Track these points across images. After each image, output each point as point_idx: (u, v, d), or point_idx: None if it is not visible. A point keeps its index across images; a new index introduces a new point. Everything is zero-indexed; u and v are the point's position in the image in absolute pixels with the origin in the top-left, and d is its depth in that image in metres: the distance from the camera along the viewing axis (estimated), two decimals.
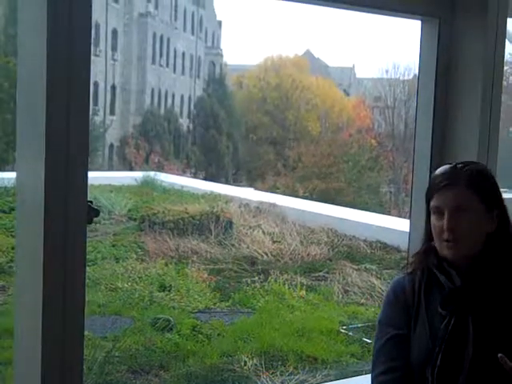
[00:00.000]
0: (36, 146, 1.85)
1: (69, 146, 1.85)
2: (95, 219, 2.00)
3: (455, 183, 1.83)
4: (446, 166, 1.90)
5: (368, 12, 2.68)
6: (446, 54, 2.71)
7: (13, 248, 8.94)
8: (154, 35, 33.64)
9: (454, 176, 1.84)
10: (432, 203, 1.86)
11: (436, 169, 1.94)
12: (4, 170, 14.23)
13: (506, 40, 2.81)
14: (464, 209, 1.80)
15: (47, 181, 1.83)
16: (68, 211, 1.86)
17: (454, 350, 1.77)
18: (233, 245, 10.80)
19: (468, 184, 1.82)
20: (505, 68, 2.89)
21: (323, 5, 2.55)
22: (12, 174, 11.52)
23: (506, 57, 2.94)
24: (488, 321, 1.78)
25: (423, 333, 1.83)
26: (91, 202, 1.94)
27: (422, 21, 2.76)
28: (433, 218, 1.86)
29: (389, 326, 1.90)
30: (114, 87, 31.96)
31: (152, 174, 17.21)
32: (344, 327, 7.74)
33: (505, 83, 3.38)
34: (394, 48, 50.14)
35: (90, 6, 1.87)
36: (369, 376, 1.95)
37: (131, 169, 22.63)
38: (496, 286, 1.81)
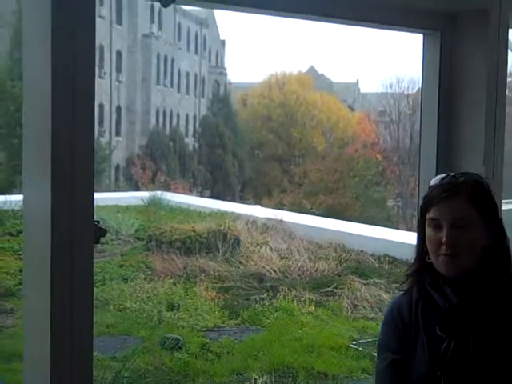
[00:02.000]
0: (42, 168, 1.86)
1: (74, 168, 1.85)
2: (102, 240, 2.00)
3: (455, 195, 1.76)
4: (443, 177, 1.84)
5: (370, 27, 2.70)
6: (449, 66, 2.72)
7: (21, 270, 8.95)
8: (158, 56, 33.87)
9: (454, 187, 1.78)
10: (429, 215, 1.78)
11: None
12: (11, 193, 14.28)
13: (509, 51, 2.82)
14: (464, 223, 1.74)
15: (54, 203, 1.83)
16: (75, 232, 1.87)
17: (456, 373, 1.72)
18: (240, 262, 10.79)
19: (468, 197, 1.76)
20: (509, 79, 2.90)
21: (326, 21, 2.56)
22: (19, 197, 11.57)
23: (510, 68, 2.95)
24: (488, 340, 1.73)
25: (423, 356, 1.78)
26: (98, 221, 1.94)
27: (423, 34, 2.76)
28: (429, 231, 1.79)
29: (387, 350, 1.86)
30: (119, 108, 32.14)
31: (159, 193, 17.25)
32: (354, 342, 7.70)
33: (509, 94, 3.39)
34: (398, 62, 50.30)
35: (94, 29, 1.89)
36: None
37: (138, 189, 22.67)
38: (493, 303, 1.76)
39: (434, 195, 1.80)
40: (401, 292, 1.94)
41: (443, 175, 1.85)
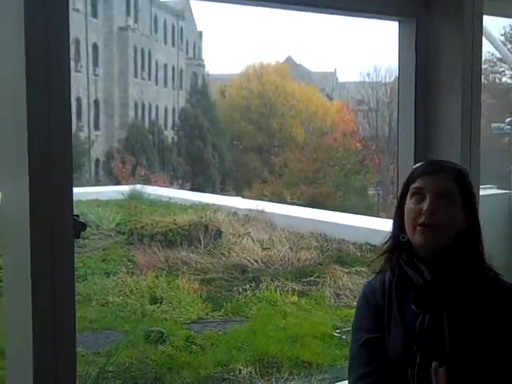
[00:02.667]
0: (19, 164, 1.85)
1: (52, 163, 1.84)
2: (83, 234, 1.99)
3: (443, 172, 1.85)
4: (429, 160, 1.95)
5: (345, 15, 2.70)
6: (425, 53, 2.73)
7: (0, 268, 8.88)
8: (135, 48, 33.66)
9: (440, 167, 1.87)
10: (413, 185, 1.85)
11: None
12: None
13: (484, 38, 2.83)
14: (447, 195, 1.81)
15: (32, 199, 1.82)
16: (54, 226, 1.86)
17: (432, 345, 1.76)
18: (222, 254, 10.79)
19: (455, 177, 1.84)
20: (484, 66, 2.92)
21: (302, 10, 2.56)
22: None
23: (486, 55, 2.97)
24: (461, 314, 1.78)
25: (398, 333, 1.81)
26: (77, 215, 1.94)
27: (399, 22, 2.78)
28: (410, 202, 1.84)
29: (362, 330, 1.89)
30: (97, 102, 31.91)
31: (139, 187, 17.20)
32: (337, 331, 7.74)
33: (485, 81, 3.42)
34: (375, 51, 50.42)
35: (68, 22, 1.87)
36: None
37: (118, 183, 22.56)
38: (466, 280, 1.81)
39: (420, 170, 1.88)
40: (371, 277, 2.00)
41: (430, 160, 1.97)
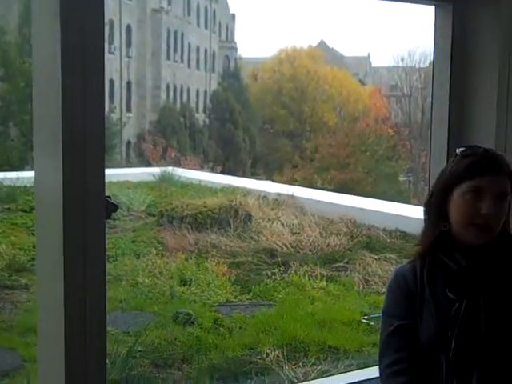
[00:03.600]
0: (53, 144, 1.87)
1: (85, 144, 1.86)
2: (114, 215, 2.01)
3: (499, 170, 1.82)
4: (474, 148, 1.88)
5: None
6: (461, 39, 2.69)
7: (34, 246, 9.01)
8: (168, 31, 33.66)
9: (498, 164, 1.83)
10: (472, 183, 1.80)
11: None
12: (23, 170, 14.33)
13: None
14: (503, 197, 1.81)
15: (65, 179, 1.84)
16: (86, 207, 1.88)
17: (466, 333, 1.76)
18: (252, 238, 10.80)
19: (509, 174, 1.83)
20: None
21: None
22: (31, 174, 11.61)
23: None
24: (498, 301, 1.78)
25: (431, 319, 1.81)
26: (109, 197, 1.95)
27: (435, 6, 2.73)
28: (465, 199, 1.80)
29: (392, 316, 1.89)
30: (129, 84, 32.04)
31: (170, 169, 17.24)
32: (365, 317, 7.72)
33: None
34: (409, 35, 49.75)
35: (103, 4, 1.88)
36: None
37: (149, 165, 22.65)
38: (502, 267, 1.81)
39: (478, 166, 1.82)
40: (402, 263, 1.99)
41: (470, 147, 1.89)
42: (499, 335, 1.75)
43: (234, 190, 14.32)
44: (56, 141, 1.84)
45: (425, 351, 1.82)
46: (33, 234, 9.87)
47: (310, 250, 10.38)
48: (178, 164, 21.13)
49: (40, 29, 1.96)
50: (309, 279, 8.93)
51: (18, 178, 12.59)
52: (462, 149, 1.89)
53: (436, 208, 1.89)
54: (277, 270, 9.30)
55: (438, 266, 1.85)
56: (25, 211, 11.43)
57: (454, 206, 1.83)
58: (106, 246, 2.00)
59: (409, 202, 18.23)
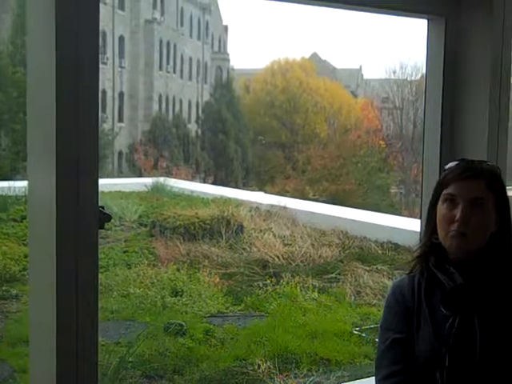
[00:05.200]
0: (46, 154, 1.87)
1: (79, 154, 1.86)
2: (106, 225, 2.01)
3: (477, 177, 1.81)
4: (459, 161, 1.89)
5: (374, 12, 2.69)
6: (453, 52, 2.71)
7: (25, 256, 8.98)
8: (161, 41, 33.74)
9: (476, 170, 1.83)
10: (447, 191, 1.82)
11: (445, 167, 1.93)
12: (15, 179, 14.29)
13: None
14: (480, 203, 1.79)
15: (58, 188, 1.84)
16: (80, 217, 1.87)
17: (461, 349, 1.75)
18: (244, 248, 10.80)
19: (488, 182, 1.81)
20: None
21: (329, 6, 2.55)
22: (22, 183, 11.59)
23: None
24: (492, 318, 1.77)
25: (427, 334, 1.81)
26: (102, 207, 1.95)
27: (428, 20, 2.76)
28: (442, 207, 1.82)
29: (390, 330, 1.89)
30: (121, 94, 32.07)
31: (162, 179, 17.24)
32: (357, 328, 7.72)
33: None
34: (401, 48, 50.06)
35: (98, 15, 1.89)
36: None
37: (141, 175, 22.65)
38: (497, 283, 1.80)
39: (454, 174, 1.84)
40: (401, 276, 1.99)
41: (459, 160, 1.90)
42: (494, 352, 1.75)
43: (225, 200, 14.31)
44: (49, 151, 1.84)
45: (421, 367, 1.82)
46: (24, 244, 9.83)
47: (301, 262, 10.38)
48: (169, 174, 21.12)
49: (35, 39, 1.96)
50: (301, 290, 8.92)
51: (9, 188, 12.55)
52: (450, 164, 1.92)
53: (427, 220, 1.91)
54: (269, 281, 9.30)
55: (435, 281, 1.85)
56: (16, 221, 11.39)
57: (437, 217, 1.85)
58: (99, 256, 2.00)
59: (400, 214, 18.28)
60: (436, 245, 1.86)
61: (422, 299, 1.85)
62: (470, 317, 1.77)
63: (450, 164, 1.89)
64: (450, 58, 2.71)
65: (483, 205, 1.79)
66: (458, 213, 1.78)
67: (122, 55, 31.90)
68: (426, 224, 1.91)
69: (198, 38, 37.76)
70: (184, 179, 20.89)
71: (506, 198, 1.88)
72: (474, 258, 1.81)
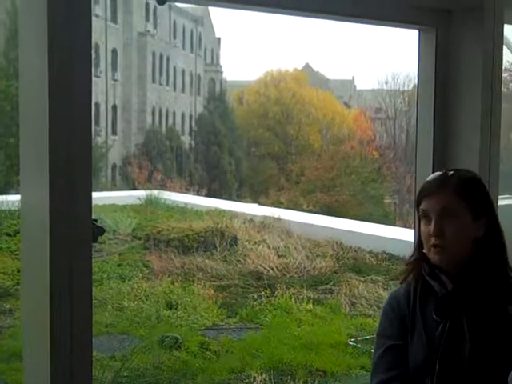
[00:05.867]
0: (40, 168, 1.86)
1: (72, 167, 1.86)
2: (100, 239, 2.00)
3: (443, 189, 1.84)
4: (437, 173, 1.92)
5: (365, 23, 2.70)
6: (445, 62, 2.72)
7: (18, 271, 8.93)
8: (154, 54, 33.84)
9: (443, 182, 1.86)
10: (421, 207, 1.87)
11: None
12: (8, 193, 14.25)
13: (505, 47, 2.82)
14: (450, 214, 1.81)
15: (51, 202, 1.83)
16: (73, 231, 1.87)
17: (451, 354, 1.77)
18: (238, 260, 10.78)
19: (455, 190, 1.83)
20: (504, 75, 2.90)
21: (321, 17, 2.56)
22: (15, 197, 11.55)
23: (505, 64, 2.95)
24: (482, 322, 1.78)
25: (420, 342, 1.83)
26: (96, 220, 1.95)
27: (419, 30, 2.77)
28: (421, 224, 1.87)
29: (385, 337, 1.92)
30: (115, 107, 32.10)
31: (155, 192, 17.23)
32: (352, 339, 7.70)
33: (505, 90, 3.39)
34: (393, 59, 50.33)
35: (90, 28, 1.89)
36: None
37: (134, 188, 22.64)
38: (487, 288, 1.81)
39: (424, 189, 1.89)
40: (397, 287, 2.01)
41: (438, 172, 1.93)
42: (483, 358, 1.75)
43: (219, 212, 14.31)
44: (42, 164, 1.84)
45: (414, 373, 1.83)
46: (17, 258, 9.78)
47: (296, 273, 10.37)
48: (163, 187, 21.11)
49: (27, 52, 1.96)
50: (295, 302, 8.90)
51: (2, 202, 12.51)
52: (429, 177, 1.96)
53: (418, 231, 1.93)
54: (263, 292, 9.28)
55: (428, 288, 1.87)
56: (9, 235, 11.35)
57: (420, 232, 1.89)
58: (92, 270, 1.99)
59: (394, 224, 18.30)
60: (425, 255, 1.89)
61: (416, 307, 1.88)
62: (459, 322, 1.78)
63: (428, 178, 1.94)
64: (441, 67, 2.72)
65: (455, 214, 1.81)
66: (431, 227, 1.82)
67: (114, 68, 31.96)
68: (417, 235, 1.94)
69: (191, 51, 37.89)
70: (178, 191, 20.89)
71: (486, 200, 1.89)
72: (463, 264, 1.82)
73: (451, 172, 1.90)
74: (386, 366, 1.87)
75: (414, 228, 2.73)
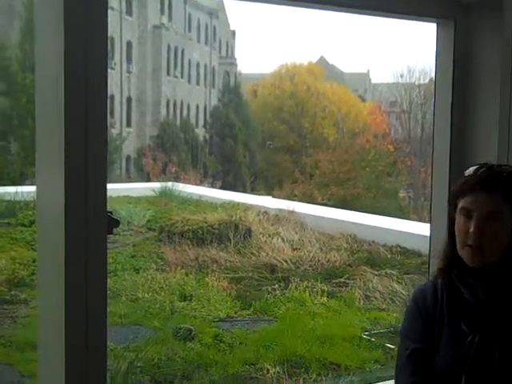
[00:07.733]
0: (55, 159, 1.86)
1: (87, 159, 1.86)
2: (115, 230, 2.01)
3: (493, 189, 1.74)
4: (481, 168, 1.80)
5: (382, 16, 2.67)
6: (463, 55, 2.69)
7: (34, 261, 9.00)
8: (169, 47, 33.84)
9: (492, 180, 1.75)
10: (462, 204, 1.77)
11: (455, 171, 1.89)
12: (23, 185, 14.34)
13: None
14: (495, 217, 1.73)
15: (67, 193, 1.83)
16: (88, 223, 1.87)
17: (478, 369, 1.71)
18: (252, 253, 10.79)
19: (505, 192, 1.74)
20: None
21: (336, 10, 2.54)
22: (30, 188, 11.62)
23: None
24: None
25: (447, 349, 1.77)
26: (111, 212, 1.95)
27: (436, 23, 2.74)
28: (459, 220, 1.77)
29: (410, 339, 1.86)
30: (129, 99, 32.16)
31: (170, 184, 17.26)
32: (366, 333, 7.69)
33: None
34: (409, 52, 50.02)
35: (106, 20, 1.89)
36: (392, 381, 1.95)
37: (149, 180, 22.70)
38: None
39: (469, 183, 1.77)
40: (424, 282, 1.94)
41: (478, 166, 1.81)
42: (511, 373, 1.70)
43: (234, 205, 14.32)
44: (58, 156, 1.84)
45: (440, 379, 1.78)
46: (32, 248, 9.85)
47: (310, 266, 10.36)
48: (178, 179, 21.15)
49: (43, 44, 1.96)
50: (309, 295, 8.90)
51: (17, 193, 12.60)
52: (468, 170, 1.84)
53: (448, 230, 1.86)
54: (277, 285, 9.28)
55: (457, 293, 1.80)
56: (24, 226, 11.43)
57: (455, 227, 1.80)
58: (107, 261, 1.99)
59: (408, 218, 18.22)
60: (459, 256, 1.80)
61: (444, 310, 1.81)
62: (490, 336, 1.72)
63: (468, 170, 1.82)
64: (459, 60, 2.69)
65: (497, 217, 1.73)
66: (472, 226, 1.73)
67: (129, 60, 32.00)
68: (448, 234, 1.85)
69: (206, 43, 37.85)
70: (192, 184, 20.91)
71: None
72: (494, 268, 1.75)
73: (497, 170, 1.78)
74: (410, 370, 1.81)
75: (430, 222, 2.71)
